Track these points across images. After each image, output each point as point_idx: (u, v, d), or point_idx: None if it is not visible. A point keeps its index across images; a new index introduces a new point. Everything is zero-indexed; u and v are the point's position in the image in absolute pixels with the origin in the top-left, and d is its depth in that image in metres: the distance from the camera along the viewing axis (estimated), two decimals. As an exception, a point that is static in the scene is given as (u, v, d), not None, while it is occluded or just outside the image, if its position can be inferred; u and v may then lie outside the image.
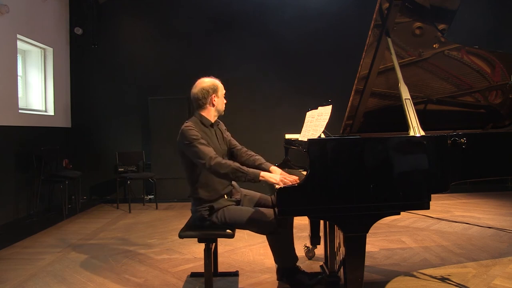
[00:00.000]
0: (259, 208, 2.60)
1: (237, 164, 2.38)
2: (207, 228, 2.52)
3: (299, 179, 2.37)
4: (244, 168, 2.37)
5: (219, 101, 2.64)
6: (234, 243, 3.85)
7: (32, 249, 3.93)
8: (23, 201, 5.35)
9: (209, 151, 2.40)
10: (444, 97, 3.04)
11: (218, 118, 2.73)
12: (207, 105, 2.61)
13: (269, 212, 2.51)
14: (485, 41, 6.27)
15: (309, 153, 2.09)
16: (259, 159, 2.71)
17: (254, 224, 2.50)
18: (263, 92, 6.50)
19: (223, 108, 2.69)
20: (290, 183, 2.24)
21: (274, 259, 2.71)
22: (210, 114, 2.63)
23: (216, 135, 2.66)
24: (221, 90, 2.65)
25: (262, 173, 2.36)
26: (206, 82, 2.62)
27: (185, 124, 2.52)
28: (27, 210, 5.41)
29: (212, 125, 2.64)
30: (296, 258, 2.67)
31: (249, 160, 2.70)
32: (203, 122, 2.60)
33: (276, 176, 2.35)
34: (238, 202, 2.67)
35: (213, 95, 2.60)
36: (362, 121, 2.95)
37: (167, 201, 6.27)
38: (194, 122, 2.57)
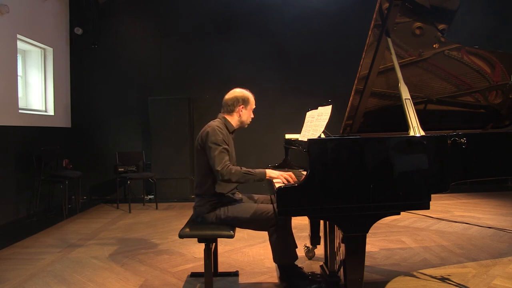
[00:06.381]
0: (259, 204, 2.68)
1: (244, 169, 2.51)
2: (208, 225, 2.56)
3: (293, 176, 2.51)
4: (251, 170, 2.52)
5: (246, 113, 2.77)
6: (234, 243, 3.85)
7: (32, 249, 3.93)
8: (23, 201, 5.34)
9: (226, 159, 2.50)
10: (444, 97, 3.04)
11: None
12: (234, 113, 2.74)
13: (269, 207, 2.57)
14: (485, 41, 6.27)
15: (309, 153, 2.10)
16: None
17: (255, 220, 2.55)
18: (263, 92, 6.46)
19: (248, 122, 2.82)
20: (289, 179, 2.41)
21: (273, 258, 2.69)
22: (234, 121, 2.76)
23: (233, 142, 2.79)
24: (251, 105, 2.79)
25: (267, 171, 2.54)
26: (240, 92, 2.76)
27: (215, 124, 2.63)
28: (27, 210, 5.41)
29: (233, 132, 2.77)
30: (295, 256, 2.66)
31: None
32: (227, 127, 2.72)
33: (276, 172, 2.54)
34: (239, 201, 2.75)
35: (242, 105, 2.74)
36: (362, 121, 2.95)
37: (167, 201, 6.27)
38: (222, 124, 2.68)
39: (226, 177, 2.45)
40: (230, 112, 2.74)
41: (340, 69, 6.06)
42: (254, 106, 2.80)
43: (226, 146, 2.55)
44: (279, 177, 2.48)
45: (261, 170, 2.54)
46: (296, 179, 2.44)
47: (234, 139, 2.85)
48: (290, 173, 2.50)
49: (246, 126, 2.83)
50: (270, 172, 2.53)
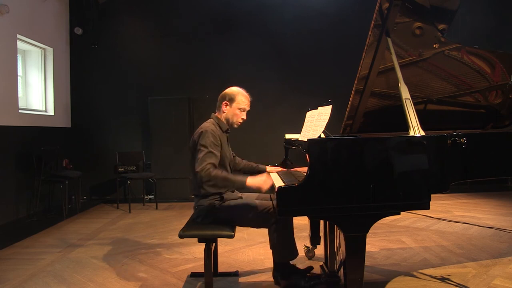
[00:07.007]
0: (260, 201, 2.67)
1: (224, 174, 2.46)
2: (208, 225, 2.55)
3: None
4: (231, 177, 2.46)
5: (230, 111, 2.67)
6: (234, 243, 3.85)
7: (32, 249, 3.93)
8: (23, 201, 5.34)
9: (208, 162, 2.42)
10: (444, 97, 3.04)
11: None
12: (220, 110, 2.70)
13: (269, 204, 2.57)
14: (485, 41, 6.27)
15: (309, 153, 2.09)
16: (254, 163, 2.94)
17: (256, 217, 2.55)
18: (263, 92, 6.47)
19: (233, 121, 2.70)
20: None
21: (273, 256, 2.68)
22: (222, 119, 2.70)
23: (227, 141, 2.77)
24: (238, 103, 2.66)
25: (248, 181, 2.41)
26: (230, 89, 2.71)
27: (208, 126, 2.59)
28: (27, 210, 5.41)
29: (226, 131, 2.72)
30: (295, 253, 2.64)
31: (246, 166, 2.94)
32: (221, 126, 2.68)
33: (260, 180, 2.42)
34: (238, 199, 2.75)
35: (226, 102, 2.66)
36: (362, 121, 2.95)
37: (167, 201, 6.27)
38: (214, 124, 2.64)
39: (204, 179, 2.42)
40: (218, 109, 2.72)
41: (340, 69, 6.06)
42: (242, 106, 2.67)
43: (213, 150, 2.48)
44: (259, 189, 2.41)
45: (242, 179, 2.43)
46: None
47: (229, 138, 2.82)
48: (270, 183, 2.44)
49: (235, 126, 2.72)
50: (251, 183, 2.40)
